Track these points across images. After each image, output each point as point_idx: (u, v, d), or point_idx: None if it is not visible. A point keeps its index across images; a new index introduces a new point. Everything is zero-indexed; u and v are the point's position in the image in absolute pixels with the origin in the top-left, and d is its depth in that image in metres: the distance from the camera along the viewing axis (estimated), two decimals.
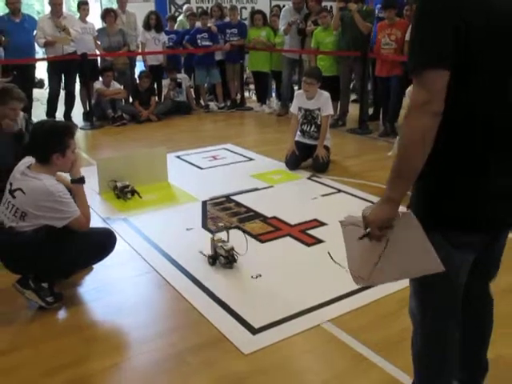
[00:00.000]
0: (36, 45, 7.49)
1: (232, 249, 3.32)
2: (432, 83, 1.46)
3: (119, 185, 4.59)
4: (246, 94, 9.69)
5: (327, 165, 5.37)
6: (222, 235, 3.41)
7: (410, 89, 4.58)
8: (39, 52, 8.46)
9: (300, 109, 5.50)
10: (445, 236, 1.64)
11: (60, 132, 2.89)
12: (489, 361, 2.17)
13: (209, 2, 11.53)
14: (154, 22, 8.29)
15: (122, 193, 4.55)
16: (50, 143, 2.84)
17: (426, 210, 1.65)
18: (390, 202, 1.60)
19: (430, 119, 1.48)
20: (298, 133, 5.56)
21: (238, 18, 9.13)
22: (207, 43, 8.47)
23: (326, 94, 5.44)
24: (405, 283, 3.17)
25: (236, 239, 3.49)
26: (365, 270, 1.77)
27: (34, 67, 7.57)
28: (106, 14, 8.02)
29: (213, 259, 3.37)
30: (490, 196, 1.60)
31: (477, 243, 1.71)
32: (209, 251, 3.41)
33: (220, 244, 3.34)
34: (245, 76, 9.38)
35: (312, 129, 5.46)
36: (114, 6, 8.76)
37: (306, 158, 5.49)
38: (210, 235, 3.79)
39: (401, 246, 1.66)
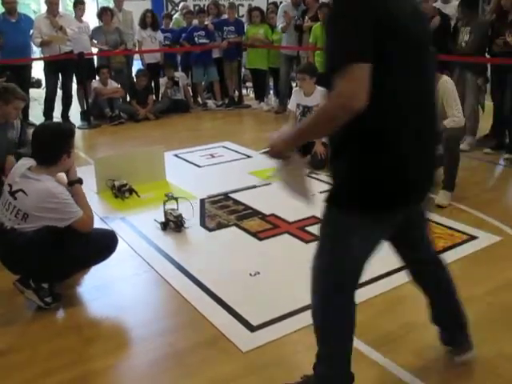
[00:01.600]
0: (33, 44, 7.48)
1: (180, 215, 3.84)
2: (360, 76, 1.59)
3: (117, 184, 4.58)
4: (244, 91, 9.67)
5: (325, 161, 5.35)
6: (173, 205, 3.93)
7: None
8: (36, 52, 8.45)
9: (298, 106, 5.49)
10: (373, 217, 1.82)
11: (67, 133, 2.96)
12: (465, 315, 2.35)
13: None
14: (150, 20, 8.27)
15: (120, 192, 4.54)
16: (60, 145, 2.88)
17: (359, 196, 1.80)
18: (288, 144, 1.88)
19: (348, 111, 1.61)
20: None
21: (236, 15, 9.12)
22: (204, 41, 8.46)
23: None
24: (403, 280, 3.19)
25: (236, 236, 3.48)
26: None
27: (30, 67, 7.56)
28: (103, 13, 8.02)
29: (164, 225, 3.88)
30: (409, 175, 1.79)
31: (398, 219, 1.92)
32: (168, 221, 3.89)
33: (170, 211, 3.86)
34: (242, 73, 9.37)
35: None
36: (111, 4, 8.75)
37: (304, 155, 5.47)
38: (208, 233, 3.81)
39: (289, 175, 2.05)
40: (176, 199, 3.95)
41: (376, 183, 1.76)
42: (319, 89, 5.41)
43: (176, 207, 3.92)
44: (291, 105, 5.62)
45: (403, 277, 3.12)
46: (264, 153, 2.03)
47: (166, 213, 3.89)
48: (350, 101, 1.59)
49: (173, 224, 3.85)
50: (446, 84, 4.25)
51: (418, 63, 1.79)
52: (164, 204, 3.91)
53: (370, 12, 1.62)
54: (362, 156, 1.76)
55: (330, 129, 1.73)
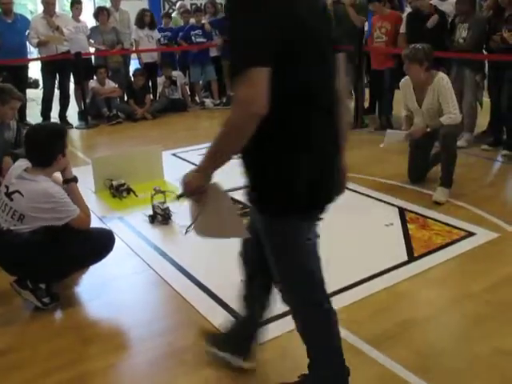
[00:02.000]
0: (29, 45, 7.47)
1: (167, 208, 3.99)
2: (258, 80, 1.53)
3: (115, 183, 4.58)
4: None
5: None
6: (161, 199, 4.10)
7: (403, 81, 4.58)
8: (34, 52, 8.43)
9: None
10: (302, 217, 1.81)
11: (61, 133, 2.96)
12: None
13: None
14: (149, 20, 8.26)
15: (118, 191, 4.54)
16: (55, 145, 2.89)
17: (282, 200, 1.77)
18: (203, 173, 1.75)
19: (253, 116, 1.56)
20: None
21: None
22: (201, 40, 8.45)
23: None
24: (401, 278, 3.19)
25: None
26: (193, 219, 1.93)
27: (26, 67, 7.55)
28: (99, 13, 8.01)
29: (152, 218, 4.02)
30: (324, 176, 1.80)
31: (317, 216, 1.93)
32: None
33: (158, 205, 4.01)
34: None
35: None
36: (108, 4, 8.74)
37: None
38: None
39: (214, 211, 1.84)
40: (163, 192, 4.09)
41: (288, 183, 1.74)
42: None
43: (164, 200, 4.09)
44: None
45: (400, 275, 3.15)
46: (179, 197, 1.88)
47: (153, 206, 4.03)
48: (250, 106, 1.54)
49: (160, 217, 3.98)
50: (441, 81, 4.26)
51: (324, 65, 1.76)
52: (152, 197, 4.04)
53: (272, 15, 1.56)
54: (273, 158, 1.72)
55: (239, 141, 1.63)
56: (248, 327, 2.32)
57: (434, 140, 4.49)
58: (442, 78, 4.27)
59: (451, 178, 4.31)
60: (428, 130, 4.35)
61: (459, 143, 5.49)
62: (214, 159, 1.70)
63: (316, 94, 1.72)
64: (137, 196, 4.54)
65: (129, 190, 4.56)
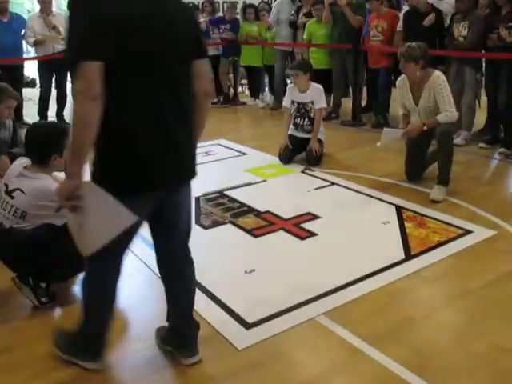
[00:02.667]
0: (27, 44, 7.45)
1: None
2: (89, 73, 1.80)
3: None
4: (239, 88, 9.65)
5: (320, 158, 5.36)
6: None
7: (399, 79, 4.57)
8: (30, 51, 8.39)
9: (293, 102, 5.48)
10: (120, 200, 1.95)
11: (58, 134, 2.94)
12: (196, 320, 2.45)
13: None
14: None
15: None
16: (50, 145, 2.87)
17: (102, 179, 1.97)
18: (71, 176, 1.93)
19: (90, 104, 1.81)
20: (292, 126, 5.54)
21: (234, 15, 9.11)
22: None
23: (319, 87, 5.41)
24: (398, 276, 3.19)
25: (231, 234, 3.47)
26: (77, 239, 2.08)
27: (22, 67, 7.52)
28: None
29: None
30: (144, 163, 1.96)
31: (145, 205, 2.08)
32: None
33: None
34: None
35: (305, 122, 5.44)
36: None
37: (299, 152, 5.48)
38: (203, 230, 3.79)
39: (96, 211, 1.95)
40: None
41: (114, 171, 1.96)
42: (314, 85, 5.41)
43: None
44: (286, 102, 5.60)
45: (397, 273, 3.15)
46: (57, 210, 2.07)
47: None
48: (85, 94, 1.79)
49: None
50: (437, 79, 4.26)
51: (155, 70, 1.93)
52: None
53: (96, 17, 1.82)
54: (104, 149, 1.94)
55: (88, 127, 1.83)
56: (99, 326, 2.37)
57: (430, 138, 4.49)
58: (438, 77, 4.27)
59: (448, 176, 4.32)
60: (425, 128, 4.35)
61: (457, 141, 5.50)
62: (76, 155, 1.89)
63: (138, 97, 1.91)
64: None
65: None
